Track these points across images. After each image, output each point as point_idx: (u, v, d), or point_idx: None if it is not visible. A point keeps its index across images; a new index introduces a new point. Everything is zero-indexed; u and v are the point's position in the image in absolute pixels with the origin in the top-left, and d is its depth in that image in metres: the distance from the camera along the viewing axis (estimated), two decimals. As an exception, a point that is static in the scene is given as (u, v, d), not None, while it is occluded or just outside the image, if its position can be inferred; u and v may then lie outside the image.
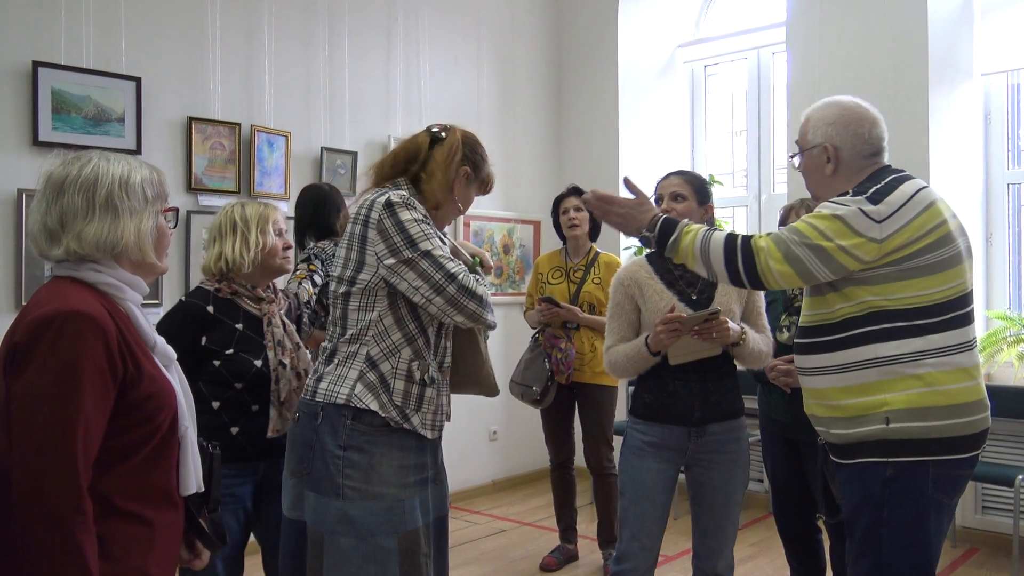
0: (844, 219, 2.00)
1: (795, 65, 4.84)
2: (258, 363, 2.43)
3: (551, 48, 5.98)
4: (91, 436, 1.42)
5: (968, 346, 2.05)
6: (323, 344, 2.09)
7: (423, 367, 2.01)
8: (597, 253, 4.02)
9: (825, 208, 2.05)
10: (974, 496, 4.31)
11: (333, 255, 3.44)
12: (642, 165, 5.63)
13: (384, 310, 1.98)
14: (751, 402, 4.84)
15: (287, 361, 2.48)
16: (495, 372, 2.26)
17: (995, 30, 4.73)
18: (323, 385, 1.98)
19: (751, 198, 5.69)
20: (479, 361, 2.20)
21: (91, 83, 3.72)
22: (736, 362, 2.66)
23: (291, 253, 2.63)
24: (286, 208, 4.38)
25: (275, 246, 2.54)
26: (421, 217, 1.99)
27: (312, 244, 3.48)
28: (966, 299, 2.07)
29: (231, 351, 2.41)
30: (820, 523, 3.03)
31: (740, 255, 2.04)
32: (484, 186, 2.22)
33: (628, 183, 2.33)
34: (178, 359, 2.31)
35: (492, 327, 2.10)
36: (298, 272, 3.30)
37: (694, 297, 2.59)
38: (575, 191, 4.01)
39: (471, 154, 2.15)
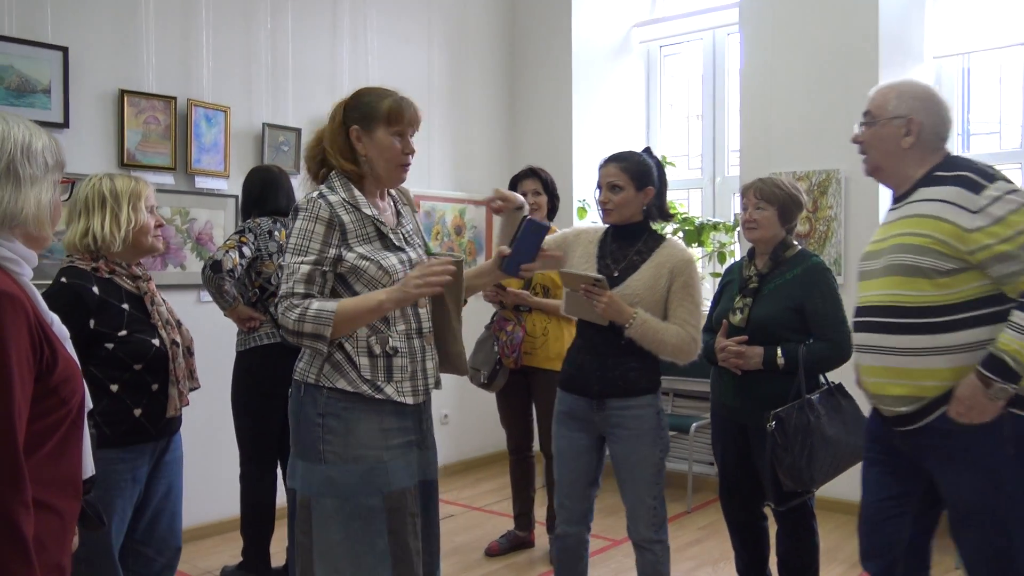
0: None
1: (748, 47, 4.79)
2: (156, 343, 2.36)
3: (504, 25, 5.85)
4: (22, 425, 1.32)
5: None
6: None
7: (382, 340, 2.07)
8: (555, 233, 3.90)
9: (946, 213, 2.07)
10: None
11: (269, 232, 3.39)
12: (596, 146, 5.54)
13: (338, 292, 2.08)
14: (703, 385, 4.77)
15: (178, 339, 2.44)
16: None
17: (947, 13, 4.73)
18: (300, 365, 2.13)
19: (706, 180, 5.66)
20: (450, 338, 2.23)
21: (14, 52, 3.52)
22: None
23: (163, 232, 2.53)
24: (226, 186, 4.23)
25: (147, 224, 2.42)
26: (315, 227, 2.04)
27: (249, 220, 3.44)
28: None
29: (124, 332, 2.32)
30: (767, 510, 3.00)
31: None
32: (391, 120, 2.11)
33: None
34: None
35: (301, 345, 2.07)
36: (228, 241, 3.32)
37: (616, 275, 2.70)
38: (531, 172, 3.89)
39: (351, 111, 2.15)
